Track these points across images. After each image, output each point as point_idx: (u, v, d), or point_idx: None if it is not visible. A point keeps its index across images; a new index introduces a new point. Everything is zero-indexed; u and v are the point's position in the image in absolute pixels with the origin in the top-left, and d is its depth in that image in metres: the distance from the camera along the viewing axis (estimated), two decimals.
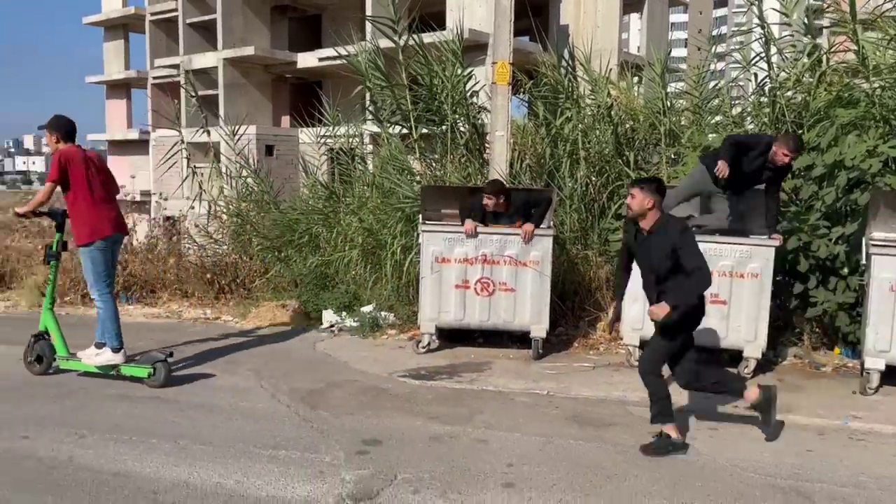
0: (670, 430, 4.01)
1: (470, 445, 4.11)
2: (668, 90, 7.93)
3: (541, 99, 8.07)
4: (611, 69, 8.17)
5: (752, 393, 4.17)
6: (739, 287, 5.46)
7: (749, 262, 5.44)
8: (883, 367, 5.06)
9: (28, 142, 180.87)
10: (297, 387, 5.15)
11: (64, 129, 5.21)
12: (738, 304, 5.46)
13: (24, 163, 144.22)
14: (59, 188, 5.11)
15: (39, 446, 4.00)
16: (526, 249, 5.93)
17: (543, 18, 20.10)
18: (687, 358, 4.11)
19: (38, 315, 7.54)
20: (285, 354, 6.10)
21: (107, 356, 5.21)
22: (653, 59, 8.08)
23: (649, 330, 4.62)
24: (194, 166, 9.47)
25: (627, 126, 8.11)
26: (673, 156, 7.51)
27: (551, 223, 6.20)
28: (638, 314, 5.49)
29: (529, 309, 5.96)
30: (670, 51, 8.82)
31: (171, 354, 5.37)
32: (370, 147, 9.73)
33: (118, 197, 5.65)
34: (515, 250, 5.94)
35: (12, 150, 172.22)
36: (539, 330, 5.97)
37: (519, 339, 6.28)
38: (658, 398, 4.00)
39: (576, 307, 6.89)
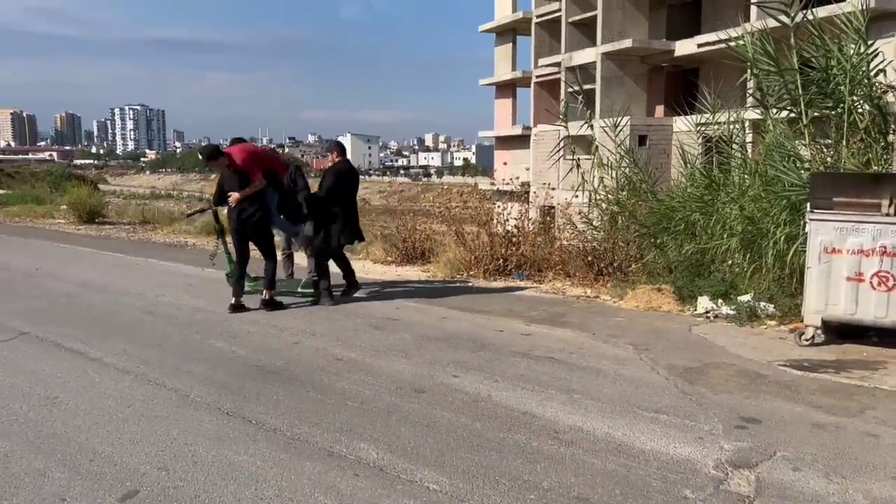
0: None
1: (858, 437, 4.03)
2: None
3: None
4: None
5: None
6: None
7: None
8: None
9: (428, 140, 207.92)
10: (674, 363, 5.50)
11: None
12: None
13: (425, 158, 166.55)
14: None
15: (466, 384, 5.03)
16: None
17: None
18: None
19: (451, 283, 9.09)
20: (661, 334, 6.48)
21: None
22: None
23: None
24: (578, 158, 10.28)
25: None
26: None
27: None
28: None
29: None
30: None
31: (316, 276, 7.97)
32: (750, 134, 9.47)
33: None
34: None
35: (416, 147, 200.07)
36: None
37: None
38: None
39: None
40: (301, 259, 9.04)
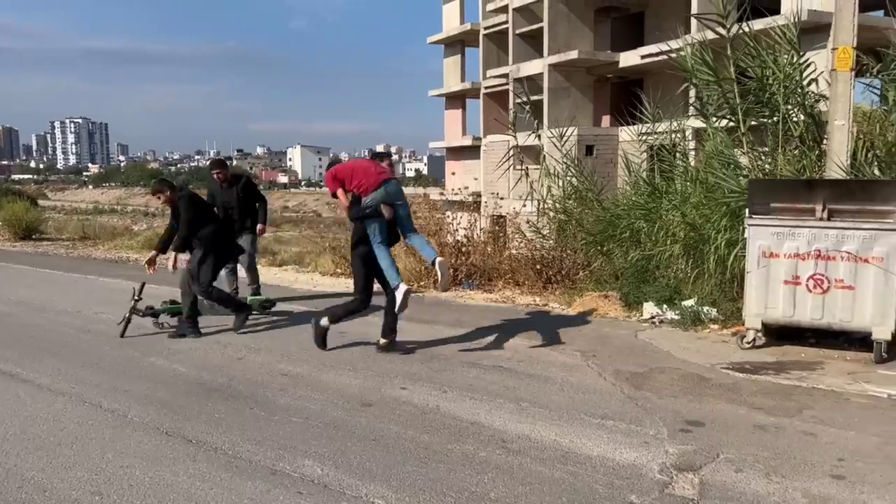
0: None
1: (797, 436, 4.12)
2: None
3: (892, 82, 7.35)
4: None
5: None
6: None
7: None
8: None
9: (380, 150, 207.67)
10: (620, 368, 5.55)
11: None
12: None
13: None
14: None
15: (414, 396, 4.97)
16: (868, 245, 5.56)
17: None
18: None
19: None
20: (608, 340, 6.54)
21: None
22: None
23: None
24: (526, 168, 10.37)
25: None
26: None
27: None
28: None
29: (871, 309, 5.58)
30: None
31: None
32: (693, 143, 9.69)
33: None
34: (855, 246, 5.61)
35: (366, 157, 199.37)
36: (882, 332, 5.55)
37: (858, 341, 5.91)
38: None
39: None
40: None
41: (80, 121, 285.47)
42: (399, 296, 5.84)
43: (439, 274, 6.05)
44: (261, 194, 8.59)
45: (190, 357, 6.11)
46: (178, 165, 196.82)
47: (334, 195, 6.26)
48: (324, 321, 6.20)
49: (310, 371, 5.60)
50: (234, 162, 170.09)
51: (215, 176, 8.20)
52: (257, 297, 8.01)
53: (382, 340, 6.17)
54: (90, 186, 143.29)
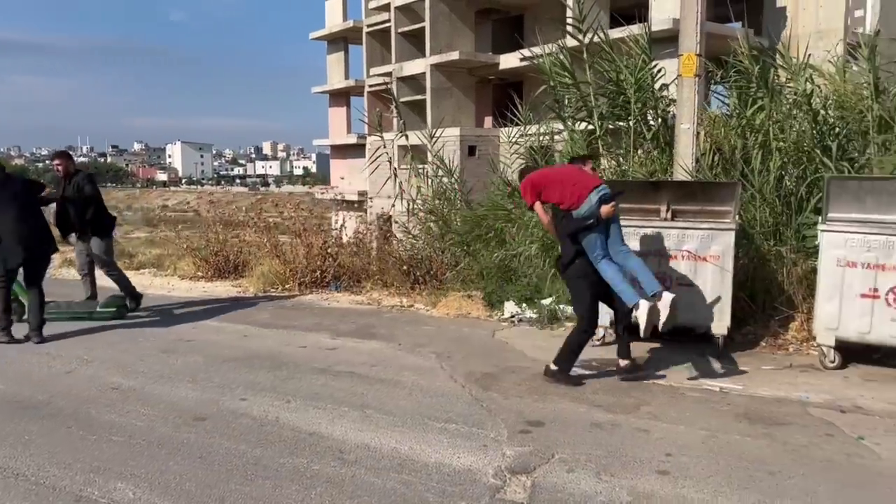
0: None
1: (630, 433, 4.20)
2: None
3: (735, 88, 7.76)
4: (810, 54, 7.60)
5: None
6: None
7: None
8: None
9: (266, 148, 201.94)
10: (473, 370, 5.52)
11: None
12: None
13: (263, 167, 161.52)
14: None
15: (254, 407, 4.72)
16: (706, 244, 5.81)
17: (757, 1, 18.94)
18: None
19: (263, 298, 8.69)
20: (466, 341, 6.51)
21: None
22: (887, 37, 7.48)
23: (846, 330, 5.04)
24: (395, 168, 10.25)
25: (834, 114, 7.51)
26: (884, 144, 6.87)
27: (735, 217, 5.99)
28: (834, 312, 5.25)
29: (710, 305, 5.83)
30: None
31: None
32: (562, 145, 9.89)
33: None
34: (694, 245, 5.84)
35: (253, 156, 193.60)
36: (719, 327, 5.81)
37: (701, 336, 6.15)
38: None
39: (766, 306, 6.58)
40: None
41: None
42: (642, 316, 4.86)
43: (662, 316, 4.91)
44: (95, 190, 7.52)
45: (11, 371, 5.57)
46: (47, 162, 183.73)
47: (531, 208, 5.43)
48: (553, 367, 5.18)
49: (144, 384, 5.22)
50: (109, 159, 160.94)
51: (56, 168, 7.54)
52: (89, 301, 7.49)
53: (623, 362, 5.27)
54: None
